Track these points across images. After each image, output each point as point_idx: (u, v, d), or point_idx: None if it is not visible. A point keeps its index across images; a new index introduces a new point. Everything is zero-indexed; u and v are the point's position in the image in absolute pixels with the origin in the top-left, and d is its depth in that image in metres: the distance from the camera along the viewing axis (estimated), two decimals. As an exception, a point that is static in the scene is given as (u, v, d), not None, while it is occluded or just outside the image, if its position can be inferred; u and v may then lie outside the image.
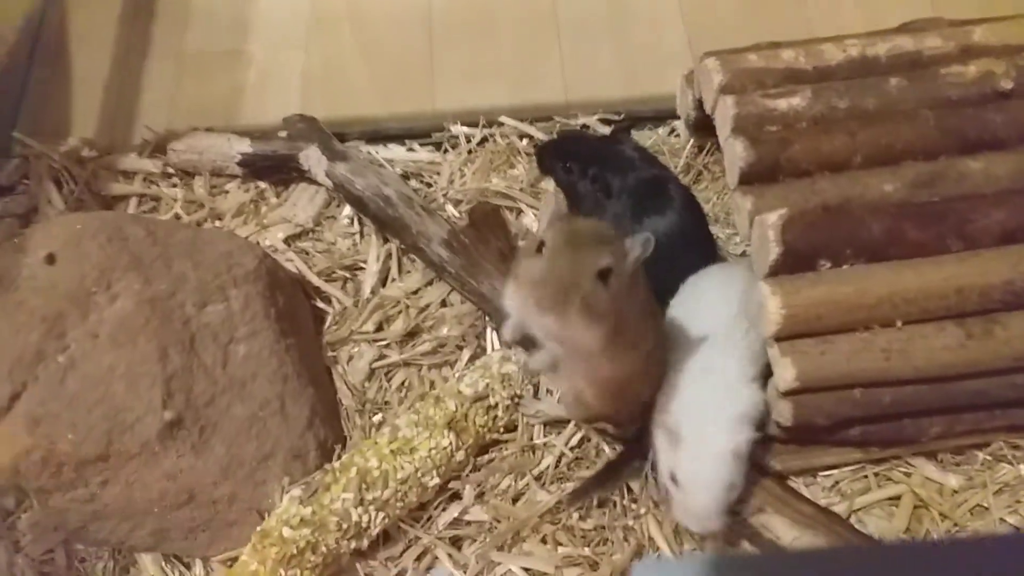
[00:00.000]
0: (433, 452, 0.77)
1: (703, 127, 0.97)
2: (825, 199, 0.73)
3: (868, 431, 0.74)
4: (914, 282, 0.67)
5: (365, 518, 0.73)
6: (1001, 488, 0.78)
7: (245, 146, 0.99)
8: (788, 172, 0.76)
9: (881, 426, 0.73)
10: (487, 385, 0.82)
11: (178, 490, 0.74)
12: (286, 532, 0.70)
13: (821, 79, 0.81)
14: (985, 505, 0.77)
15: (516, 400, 0.83)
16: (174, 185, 1.02)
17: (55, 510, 0.75)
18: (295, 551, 0.69)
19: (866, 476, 0.80)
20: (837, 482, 0.80)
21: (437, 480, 0.77)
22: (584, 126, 1.06)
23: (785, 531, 0.73)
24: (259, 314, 0.82)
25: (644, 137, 1.04)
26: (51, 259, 0.76)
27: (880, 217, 0.70)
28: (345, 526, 0.72)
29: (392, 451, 0.76)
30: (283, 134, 1.00)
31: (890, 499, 0.79)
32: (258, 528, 0.72)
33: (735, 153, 0.76)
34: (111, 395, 0.73)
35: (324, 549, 0.71)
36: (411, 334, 0.92)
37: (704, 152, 1.00)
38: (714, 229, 0.93)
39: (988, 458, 0.80)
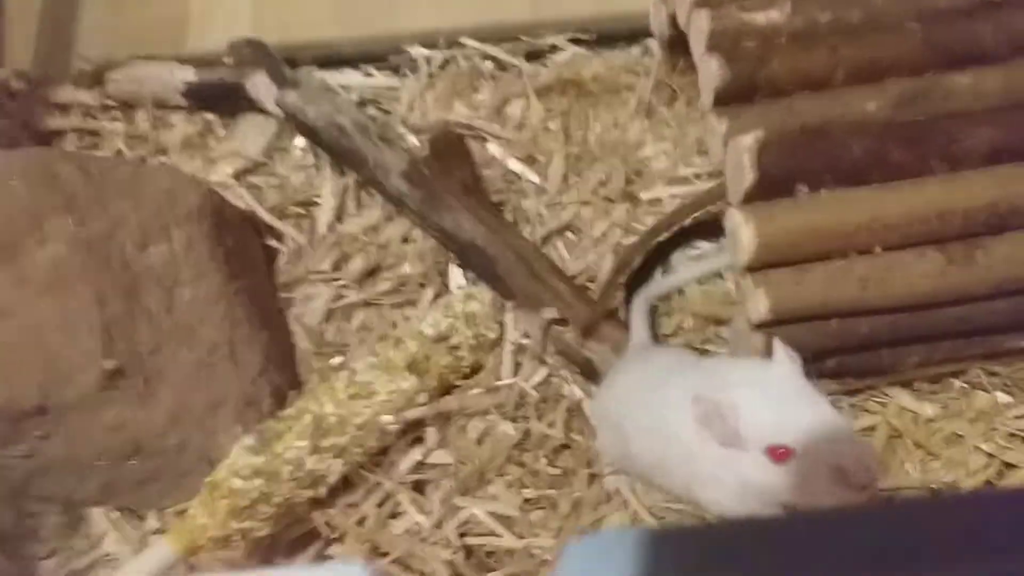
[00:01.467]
0: (393, 395, 0.74)
1: (678, 45, 0.91)
2: (804, 120, 0.68)
3: (844, 362, 0.71)
4: (895, 207, 0.63)
5: (321, 466, 0.70)
6: (977, 416, 0.76)
7: (189, 74, 0.93)
8: (766, 92, 0.71)
9: (858, 356, 0.70)
10: (450, 325, 0.78)
11: (124, 442, 0.71)
12: (236, 483, 0.67)
13: (801, -10, 0.75)
14: (960, 433, 0.75)
15: (481, 340, 0.79)
16: (115, 119, 0.95)
17: (-3, 465, 0.72)
18: (247, 502, 0.66)
19: (841, 407, 0.78)
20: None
21: (391, 418, 0.74)
22: (553, 46, 0.99)
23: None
24: (205, 255, 0.77)
25: (616, 57, 0.98)
26: (-26, 201, 0.71)
27: (861, 138, 0.66)
28: (299, 475, 0.69)
29: (349, 396, 0.72)
30: (229, 61, 0.94)
31: (865, 429, 0.76)
32: (207, 479, 0.69)
33: (710, 71, 0.70)
34: (46, 345, 0.68)
35: (278, 499, 0.68)
36: (370, 272, 0.87)
37: (677, 72, 0.94)
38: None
39: (965, 386, 0.77)
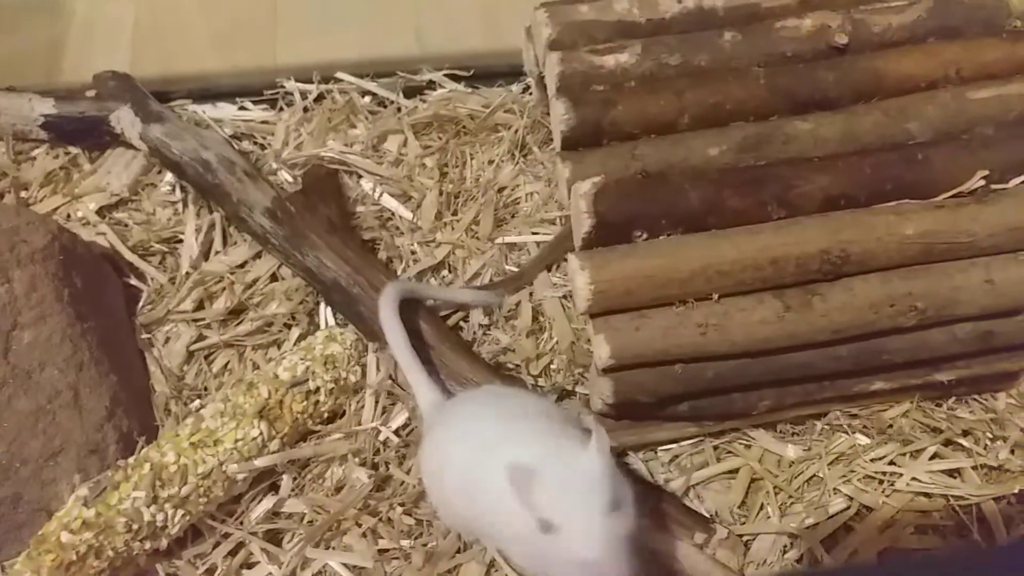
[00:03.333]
0: (240, 444, 0.71)
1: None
2: (645, 164, 0.68)
3: (696, 406, 0.71)
4: (729, 253, 0.63)
5: (160, 516, 0.68)
6: (836, 458, 0.76)
7: (48, 107, 0.90)
8: (612, 135, 0.72)
9: (709, 400, 0.70)
10: (307, 368, 0.76)
11: (-48, 493, 0.68)
12: (64, 537, 0.64)
13: (655, 32, 0.76)
14: (821, 475, 0.75)
15: (341, 383, 0.78)
16: (-29, 151, 0.92)
17: None
18: (74, 557, 0.64)
19: (704, 451, 0.78)
20: (676, 456, 0.78)
21: (246, 473, 0.72)
22: (431, 82, 0.99)
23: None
24: (48, 296, 0.74)
25: (494, 95, 0.98)
26: None
27: (699, 184, 0.66)
28: (136, 526, 0.66)
29: (192, 444, 0.70)
30: (92, 93, 0.91)
31: (728, 472, 0.77)
32: (38, 532, 0.66)
33: (557, 115, 0.71)
34: None
35: (110, 553, 0.65)
36: (236, 312, 0.85)
37: (552, 111, 0.94)
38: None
39: (826, 427, 0.78)
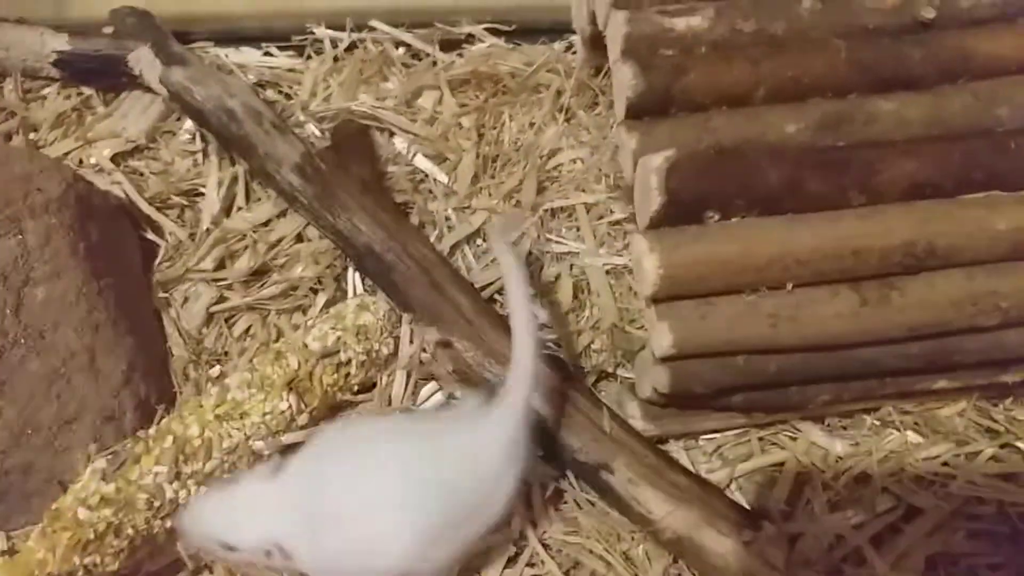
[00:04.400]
0: (268, 417, 0.67)
1: (600, 45, 0.85)
2: (719, 139, 0.63)
3: (751, 398, 0.67)
4: (808, 241, 0.59)
5: (183, 493, 0.63)
6: (886, 456, 0.73)
7: (61, 43, 0.84)
8: (681, 105, 0.66)
9: (765, 393, 0.66)
10: (339, 339, 0.72)
11: (-41, 459, 0.63)
12: (82, 513, 0.60)
13: (728, -5, 0.71)
14: (869, 473, 0.72)
15: (372, 355, 0.73)
16: (-22, 89, 0.86)
17: None
18: (92, 535, 0.59)
19: (749, 441, 0.74)
20: (719, 447, 0.74)
21: (262, 443, 0.68)
22: (469, 35, 0.93)
23: (658, 505, 0.66)
24: (63, 251, 0.69)
25: (536, 52, 0.92)
26: None
27: (778, 163, 0.62)
28: (157, 504, 0.62)
29: (217, 416, 0.66)
30: (109, 30, 0.85)
31: (773, 466, 0.73)
32: (52, 506, 0.61)
33: (623, 80, 0.66)
34: None
35: (130, 531, 0.61)
36: (258, 273, 0.80)
37: (602, 74, 0.88)
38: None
39: (876, 423, 0.75)
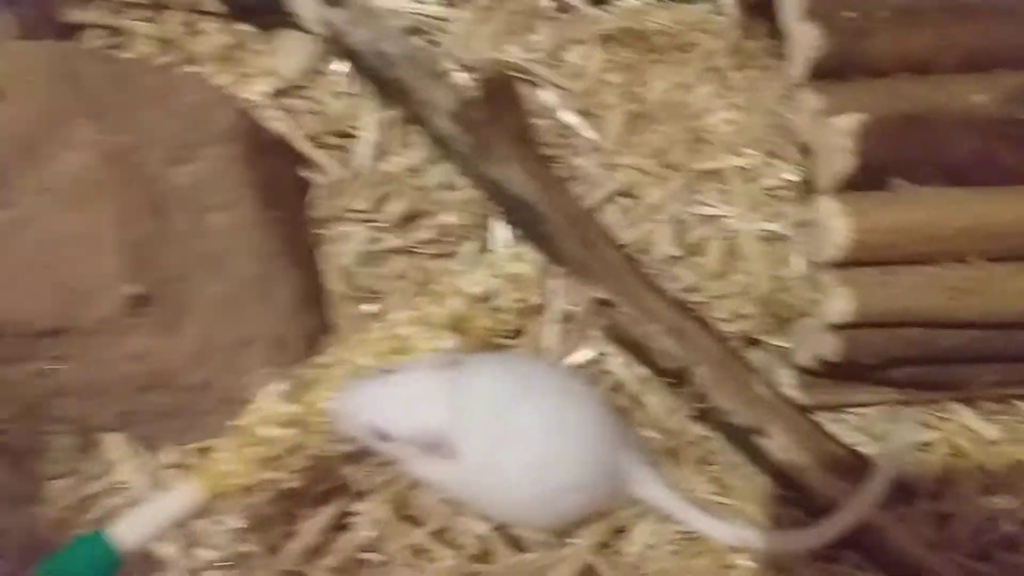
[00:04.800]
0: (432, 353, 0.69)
1: (757, 7, 0.85)
2: (908, 106, 0.63)
3: (915, 373, 0.67)
4: (1004, 214, 0.59)
5: (353, 421, 0.66)
6: (1041, 443, 0.73)
7: (227, -23, 0.85)
8: (862, 70, 0.66)
9: (931, 369, 0.66)
10: (496, 285, 0.73)
11: (146, 373, 0.66)
12: (267, 431, 0.62)
13: (912, -44, 0.70)
14: (1022, 459, 0.72)
15: (524, 304, 0.75)
16: (142, 19, 0.87)
17: (7, 382, 0.67)
18: (277, 452, 0.62)
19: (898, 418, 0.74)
20: (870, 421, 0.75)
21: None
22: (621, -10, 0.92)
23: (813, 473, 0.67)
24: (237, 180, 0.71)
25: (685, 12, 0.91)
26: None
27: (969, 133, 0.61)
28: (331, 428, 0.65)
29: (388, 350, 0.68)
30: (271, -32, 0.86)
31: (923, 445, 0.73)
32: (234, 423, 0.64)
33: (807, 40, 0.65)
34: (65, 262, 0.62)
35: (309, 452, 0.64)
36: (408, 217, 0.82)
37: (755, 37, 0.87)
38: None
39: (1031, 409, 0.74)
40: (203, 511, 0.62)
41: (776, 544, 0.62)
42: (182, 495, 0.60)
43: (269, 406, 0.63)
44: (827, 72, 0.66)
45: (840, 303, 0.61)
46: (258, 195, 0.72)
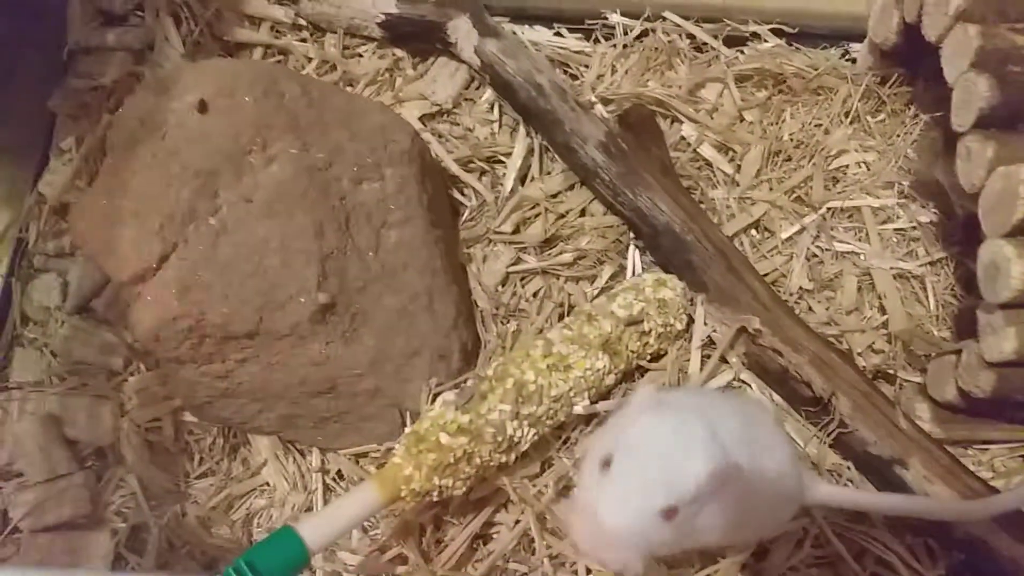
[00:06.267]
0: (588, 373, 0.72)
1: (897, 55, 0.88)
2: (1074, 158, 0.66)
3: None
4: None
5: (518, 433, 0.68)
6: None
7: (390, 6, 0.90)
8: (1027, 121, 0.69)
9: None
10: (642, 309, 0.76)
11: (321, 378, 0.69)
12: (443, 438, 0.65)
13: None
14: None
15: (668, 329, 0.78)
16: (303, 40, 0.92)
17: (183, 381, 0.70)
18: (452, 459, 0.65)
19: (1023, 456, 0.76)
20: (993, 456, 0.77)
21: (587, 402, 0.73)
22: (754, 34, 0.96)
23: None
24: (413, 199, 0.75)
25: (819, 57, 0.95)
26: (203, 107, 0.68)
27: None
28: (500, 438, 0.67)
29: (548, 366, 0.71)
30: (432, -1, 0.91)
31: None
32: (408, 430, 0.67)
33: (976, 91, 0.68)
34: (265, 269, 0.66)
35: (478, 460, 0.67)
36: (548, 241, 0.85)
37: (889, 83, 0.91)
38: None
39: None
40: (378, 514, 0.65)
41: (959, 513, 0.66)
42: (363, 497, 0.63)
43: (444, 415, 0.66)
44: (995, 122, 0.69)
45: (1004, 342, 0.63)
46: (427, 214, 0.76)
